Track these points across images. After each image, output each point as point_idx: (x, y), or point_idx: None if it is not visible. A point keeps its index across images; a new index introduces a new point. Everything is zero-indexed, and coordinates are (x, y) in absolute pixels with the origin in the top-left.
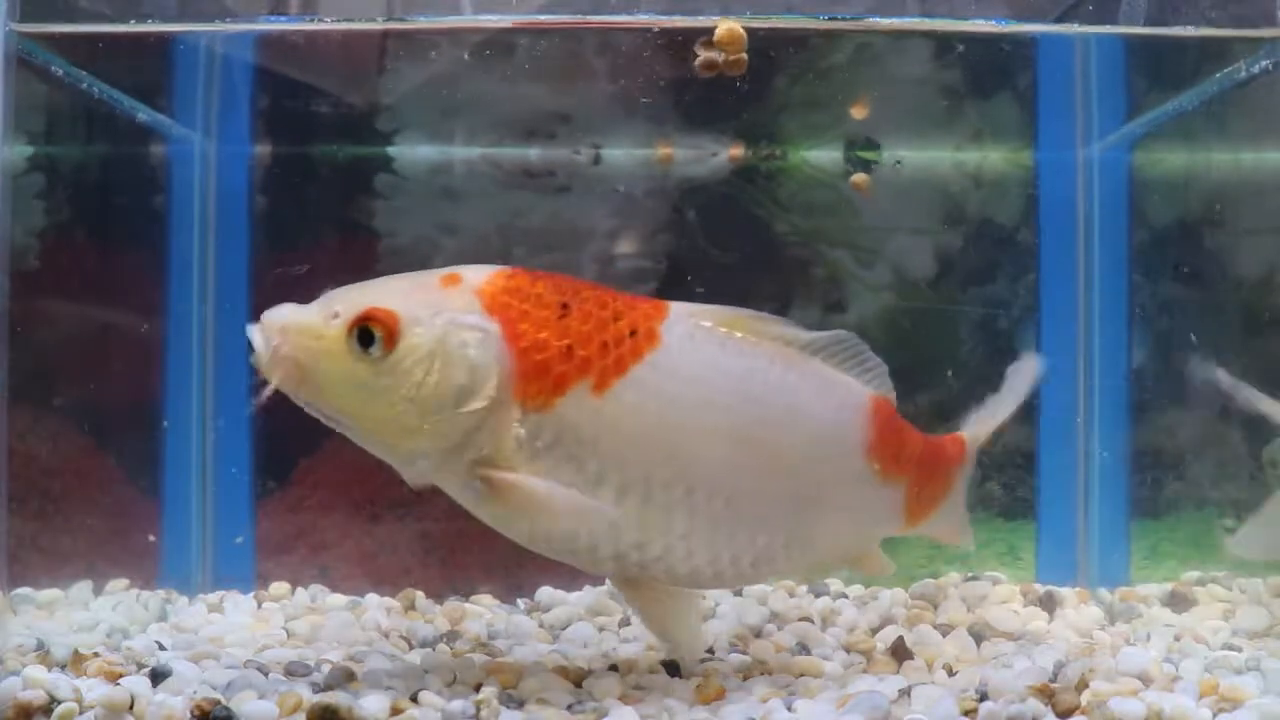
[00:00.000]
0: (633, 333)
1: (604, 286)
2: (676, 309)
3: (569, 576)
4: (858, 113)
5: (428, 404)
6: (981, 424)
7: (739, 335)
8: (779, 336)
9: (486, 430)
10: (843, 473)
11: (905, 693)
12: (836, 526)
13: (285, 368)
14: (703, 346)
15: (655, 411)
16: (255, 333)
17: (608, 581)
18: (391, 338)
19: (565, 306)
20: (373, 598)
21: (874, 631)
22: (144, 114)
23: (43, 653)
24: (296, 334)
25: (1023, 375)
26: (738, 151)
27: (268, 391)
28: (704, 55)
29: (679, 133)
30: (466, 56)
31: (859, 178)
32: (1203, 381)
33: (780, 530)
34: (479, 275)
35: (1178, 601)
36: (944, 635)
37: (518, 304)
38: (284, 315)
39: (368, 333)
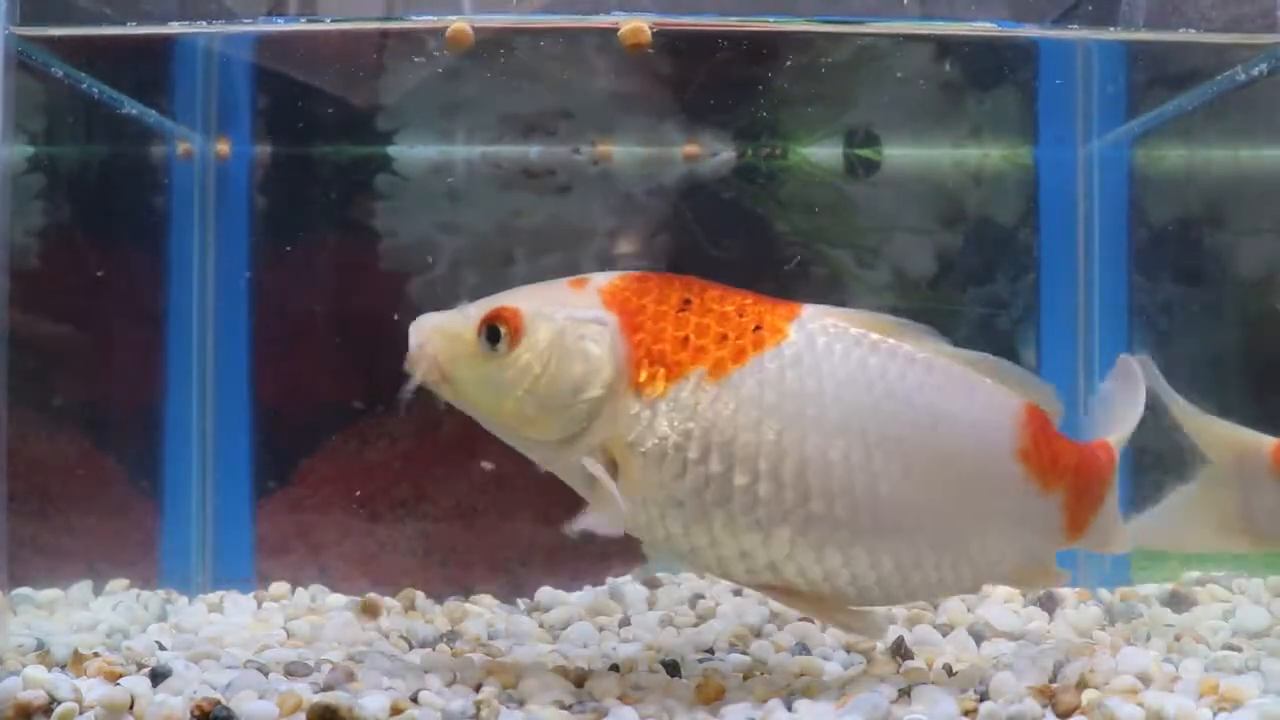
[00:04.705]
0: (757, 327)
1: (740, 290)
2: (811, 309)
3: (569, 576)
4: None
5: (546, 395)
6: (1120, 426)
7: (877, 337)
8: (924, 346)
9: (604, 419)
10: (994, 478)
11: (905, 693)
12: (995, 536)
13: (427, 365)
14: (835, 344)
15: (776, 402)
16: (410, 334)
17: (608, 582)
18: (515, 334)
19: (687, 302)
20: (372, 598)
21: None
22: (142, 113)
23: (43, 653)
24: (438, 334)
25: (1132, 376)
26: (693, 150)
27: (409, 387)
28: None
29: (679, 131)
30: (465, 56)
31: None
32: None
33: (927, 539)
34: (605, 277)
35: (1178, 601)
36: (944, 635)
37: (637, 299)
38: (429, 318)
39: (494, 330)
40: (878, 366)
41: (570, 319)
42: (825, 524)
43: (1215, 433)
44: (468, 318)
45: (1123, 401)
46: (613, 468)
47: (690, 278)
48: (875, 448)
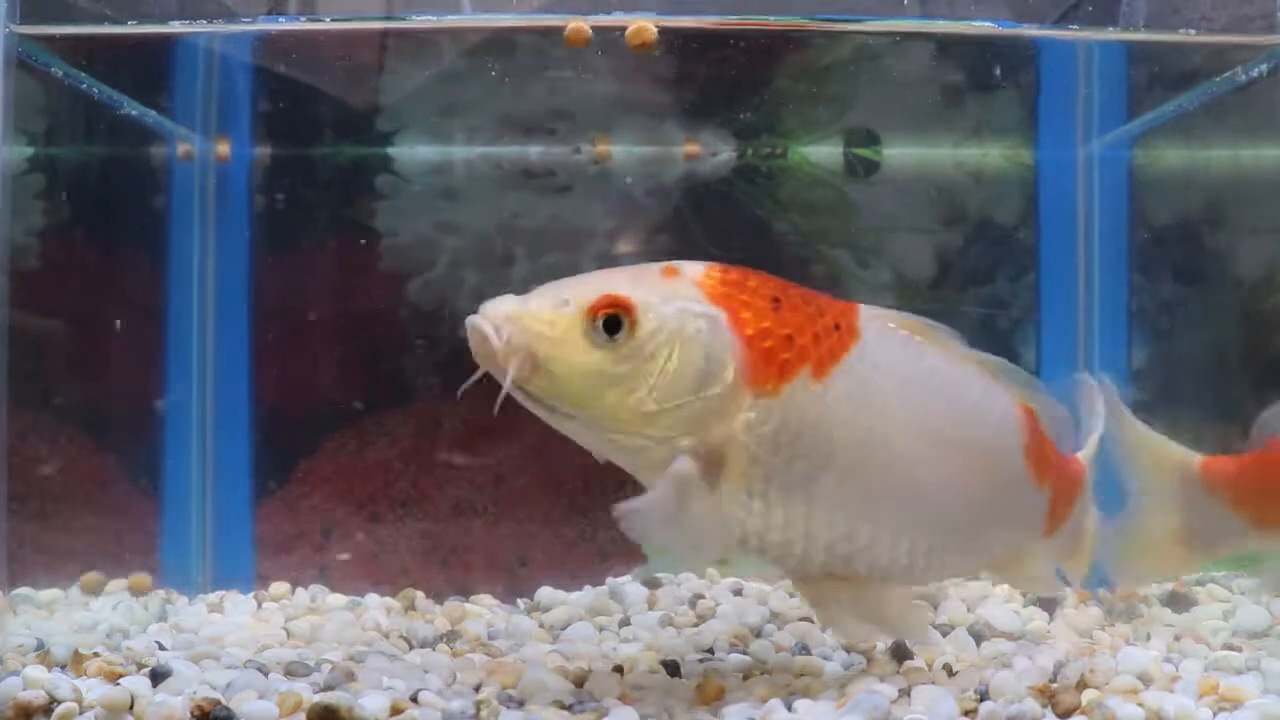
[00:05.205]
0: (837, 326)
1: (800, 286)
2: (864, 309)
3: (569, 576)
4: None
5: (668, 389)
6: (1088, 445)
7: (919, 337)
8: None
9: (719, 418)
10: (1009, 473)
11: (905, 693)
12: (1000, 528)
13: (520, 356)
14: (894, 344)
15: (866, 401)
16: (480, 323)
17: (608, 582)
18: (633, 323)
19: (777, 299)
20: (373, 598)
21: None
22: (142, 114)
23: (43, 653)
24: (529, 322)
25: (1090, 397)
26: (693, 149)
27: (475, 378)
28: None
29: (679, 131)
30: (466, 56)
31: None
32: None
33: (958, 525)
34: (696, 268)
35: (1178, 601)
36: (944, 635)
37: (737, 294)
38: (510, 305)
39: (613, 319)
40: (929, 365)
41: (684, 310)
42: (900, 515)
43: (1155, 452)
44: (563, 302)
45: (1083, 423)
46: (709, 468)
47: (764, 273)
48: (932, 442)
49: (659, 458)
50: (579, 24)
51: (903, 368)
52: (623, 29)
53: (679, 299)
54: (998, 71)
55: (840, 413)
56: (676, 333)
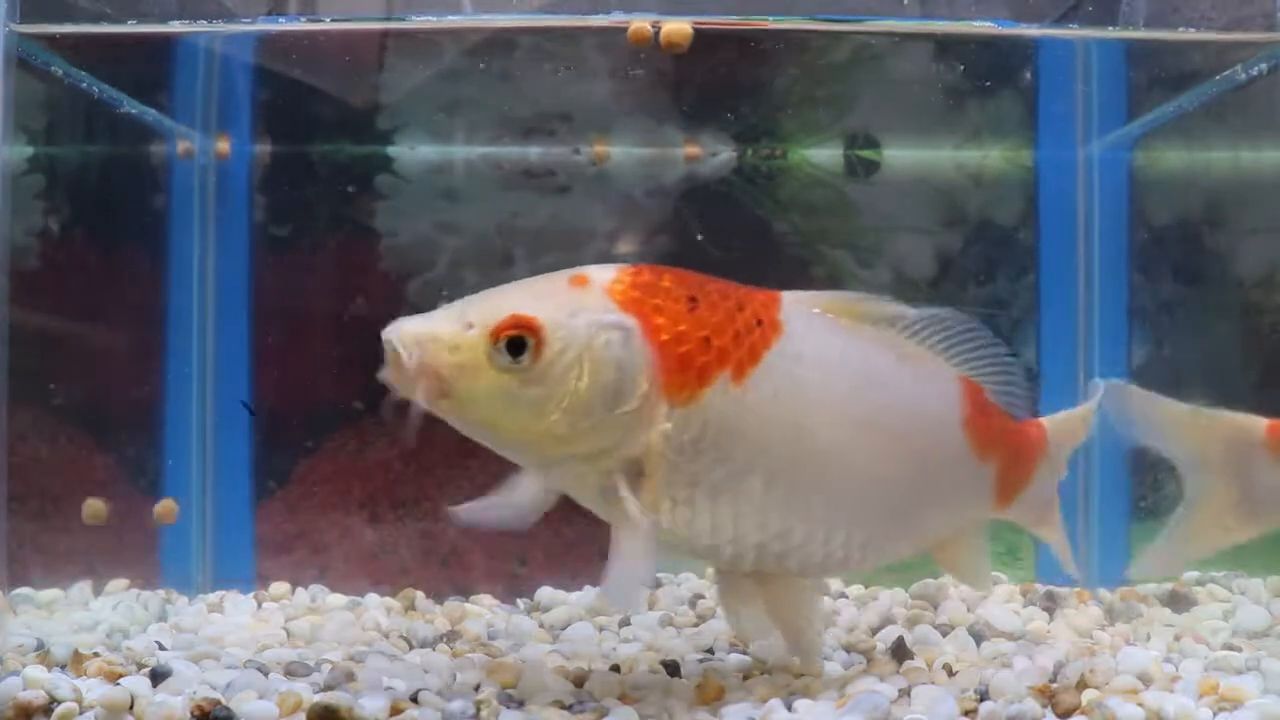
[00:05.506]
0: (759, 322)
1: (723, 280)
2: (788, 297)
3: (569, 576)
4: None
5: (579, 409)
6: (1072, 416)
7: (845, 321)
8: (885, 316)
9: (636, 430)
10: (946, 451)
11: (905, 693)
12: (940, 507)
13: (428, 382)
14: (820, 333)
15: (790, 398)
16: (391, 345)
17: None
18: (539, 345)
19: (693, 299)
20: (373, 598)
21: (874, 631)
22: (142, 112)
23: (43, 653)
24: (436, 346)
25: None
26: (693, 150)
27: (392, 401)
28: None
29: (678, 132)
30: (466, 56)
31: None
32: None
33: (896, 511)
34: (605, 274)
35: (1178, 601)
36: (944, 635)
37: (649, 299)
38: (417, 326)
39: (516, 341)
40: (857, 353)
41: (592, 324)
42: (833, 509)
43: (1203, 425)
44: (467, 324)
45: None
46: (634, 479)
47: (679, 270)
48: (860, 430)
49: (576, 475)
50: (641, 24)
51: (829, 357)
52: (623, 29)
53: (588, 311)
54: (998, 72)
55: (764, 413)
56: (585, 350)
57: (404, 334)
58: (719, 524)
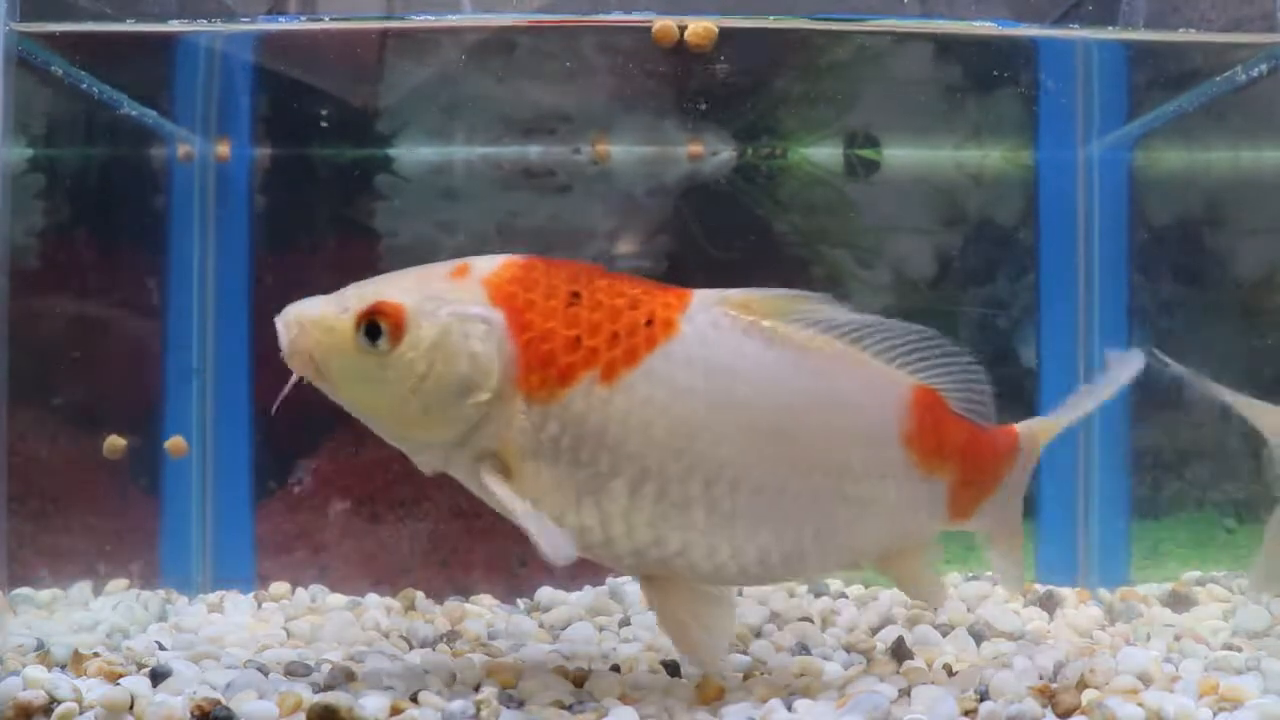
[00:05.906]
0: (649, 322)
1: (626, 275)
2: (702, 297)
3: (569, 576)
4: None
5: (431, 396)
6: (1047, 419)
7: (768, 323)
8: (821, 319)
9: (491, 423)
10: (878, 465)
11: (905, 693)
12: (873, 521)
13: (301, 360)
14: (726, 336)
15: (668, 403)
16: (278, 324)
17: (607, 582)
18: (398, 331)
19: (576, 295)
20: (373, 598)
21: (874, 631)
22: (142, 114)
23: (43, 653)
24: (311, 327)
25: (1112, 373)
26: (694, 150)
27: (291, 383)
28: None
29: (678, 131)
30: (466, 56)
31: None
32: (1173, 380)
33: (810, 525)
34: (489, 265)
35: (1178, 601)
36: (944, 635)
37: (524, 293)
38: (301, 309)
39: (374, 326)
40: (766, 358)
41: (455, 315)
42: (716, 516)
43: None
44: (344, 309)
45: (1081, 394)
46: (505, 470)
47: (580, 264)
48: (763, 440)
49: (450, 462)
50: (667, 23)
51: (730, 362)
52: (623, 29)
53: (455, 302)
54: (998, 72)
55: (633, 417)
56: (442, 338)
57: (288, 314)
58: (586, 525)
